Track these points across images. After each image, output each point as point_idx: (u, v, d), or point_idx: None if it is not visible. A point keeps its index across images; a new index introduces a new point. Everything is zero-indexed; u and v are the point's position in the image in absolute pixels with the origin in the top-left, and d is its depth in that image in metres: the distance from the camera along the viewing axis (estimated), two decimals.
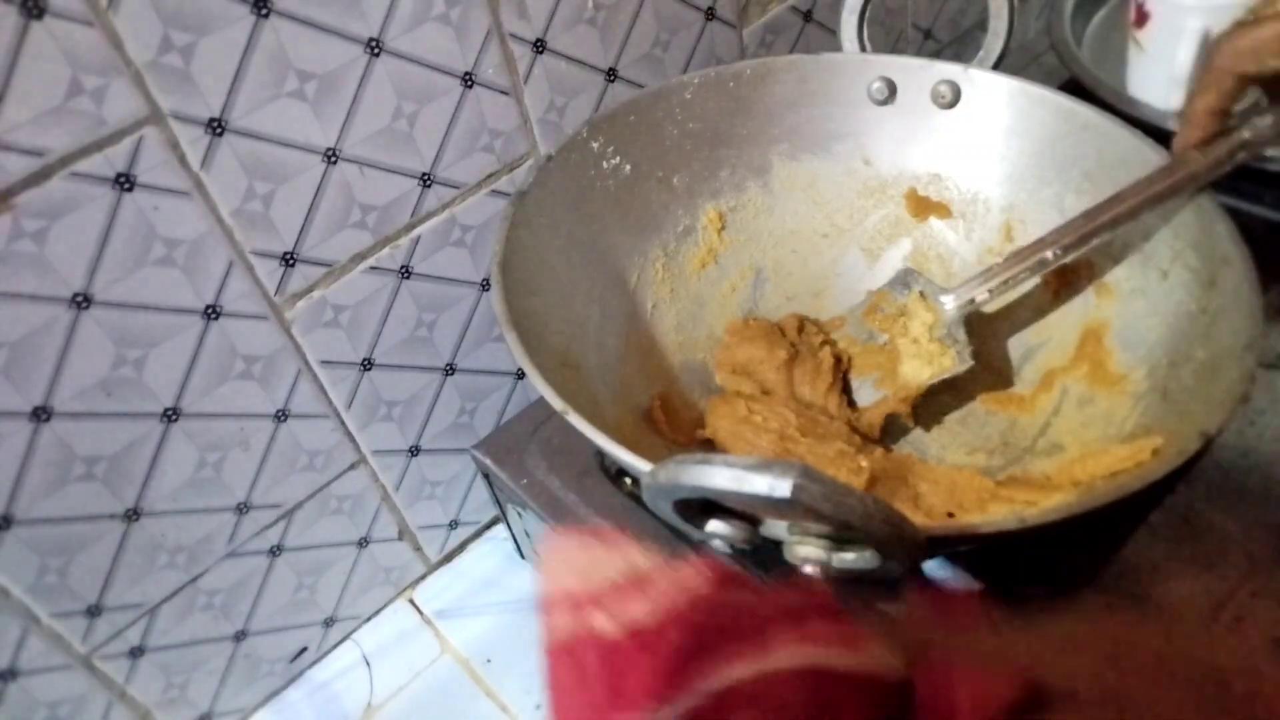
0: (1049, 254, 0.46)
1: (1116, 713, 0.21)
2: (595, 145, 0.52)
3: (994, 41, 0.54)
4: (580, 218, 0.51)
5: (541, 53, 0.53)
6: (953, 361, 0.50)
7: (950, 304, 0.50)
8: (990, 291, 0.48)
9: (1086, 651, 0.22)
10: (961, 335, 0.50)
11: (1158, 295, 0.46)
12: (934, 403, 0.53)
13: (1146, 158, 0.46)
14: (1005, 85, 0.52)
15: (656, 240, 0.55)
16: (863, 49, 0.57)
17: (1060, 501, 0.41)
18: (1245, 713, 0.20)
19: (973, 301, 0.49)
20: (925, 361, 0.50)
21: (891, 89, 0.54)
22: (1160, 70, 0.60)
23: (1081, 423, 0.47)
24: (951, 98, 0.53)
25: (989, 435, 0.51)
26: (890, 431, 0.52)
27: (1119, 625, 0.24)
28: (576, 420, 0.38)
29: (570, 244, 0.51)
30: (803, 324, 0.55)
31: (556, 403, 0.38)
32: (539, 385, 0.39)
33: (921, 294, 0.51)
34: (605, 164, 0.53)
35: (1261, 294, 0.40)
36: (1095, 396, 0.47)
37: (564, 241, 0.50)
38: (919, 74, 0.53)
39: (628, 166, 0.53)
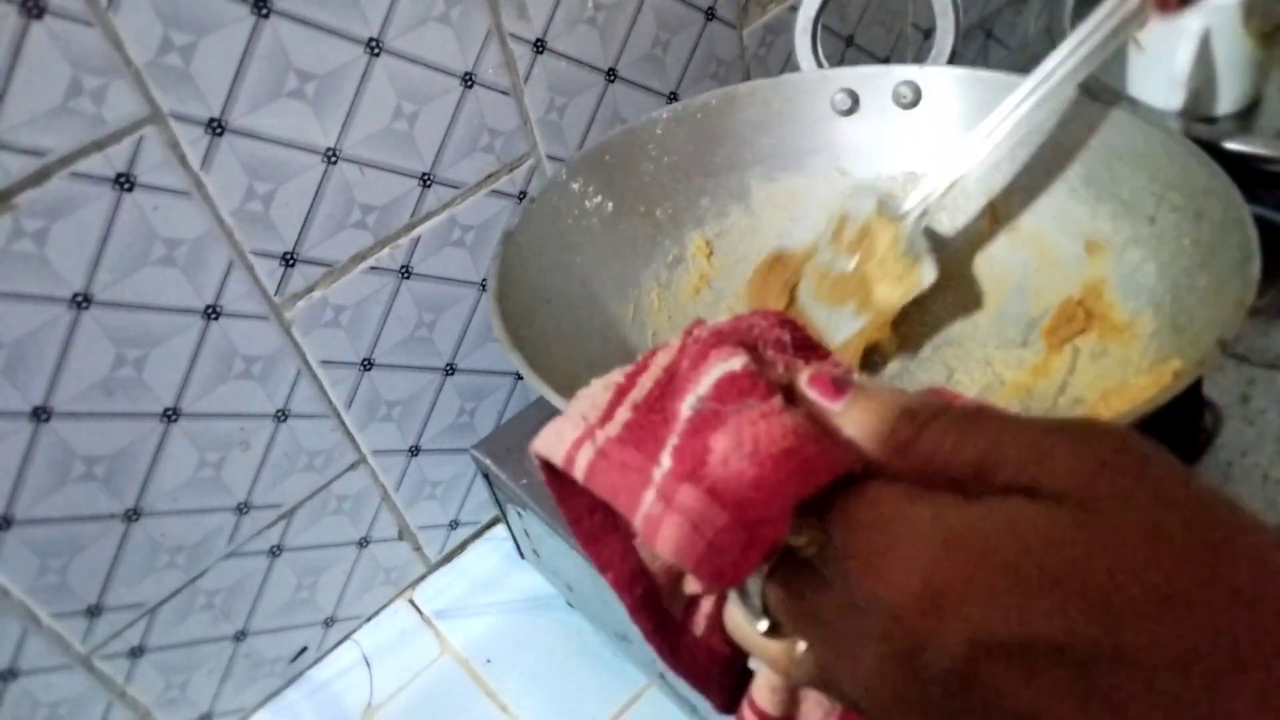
0: (993, 134, 0.47)
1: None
2: (575, 186, 0.52)
3: (944, 38, 0.55)
4: (570, 254, 0.52)
5: (541, 53, 0.53)
6: (919, 277, 0.50)
7: (909, 214, 0.50)
8: (944, 194, 0.49)
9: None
10: (923, 245, 0.50)
11: (1150, 241, 0.47)
12: (912, 332, 0.53)
13: (1108, 115, 0.48)
14: (959, 76, 0.53)
15: (648, 271, 0.56)
16: (820, 65, 0.58)
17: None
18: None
19: (926, 211, 0.49)
20: (895, 281, 0.50)
21: (854, 99, 0.55)
22: (1160, 70, 0.60)
23: (1099, 374, 0.47)
24: (913, 97, 0.54)
25: (1008, 402, 0.51)
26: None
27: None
28: None
29: (563, 280, 0.51)
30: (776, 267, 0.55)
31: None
32: (555, 401, 0.39)
33: (879, 211, 0.51)
34: (588, 203, 0.53)
35: (1248, 207, 0.40)
36: (1108, 347, 0.48)
37: (557, 277, 0.51)
38: (878, 80, 0.55)
39: (610, 204, 0.54)
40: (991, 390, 0.52)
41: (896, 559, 0.20)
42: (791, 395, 0.25)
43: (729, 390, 0.24)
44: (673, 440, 0.24)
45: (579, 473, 0.25)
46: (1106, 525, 0.19)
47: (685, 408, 0.25)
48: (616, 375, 0.27)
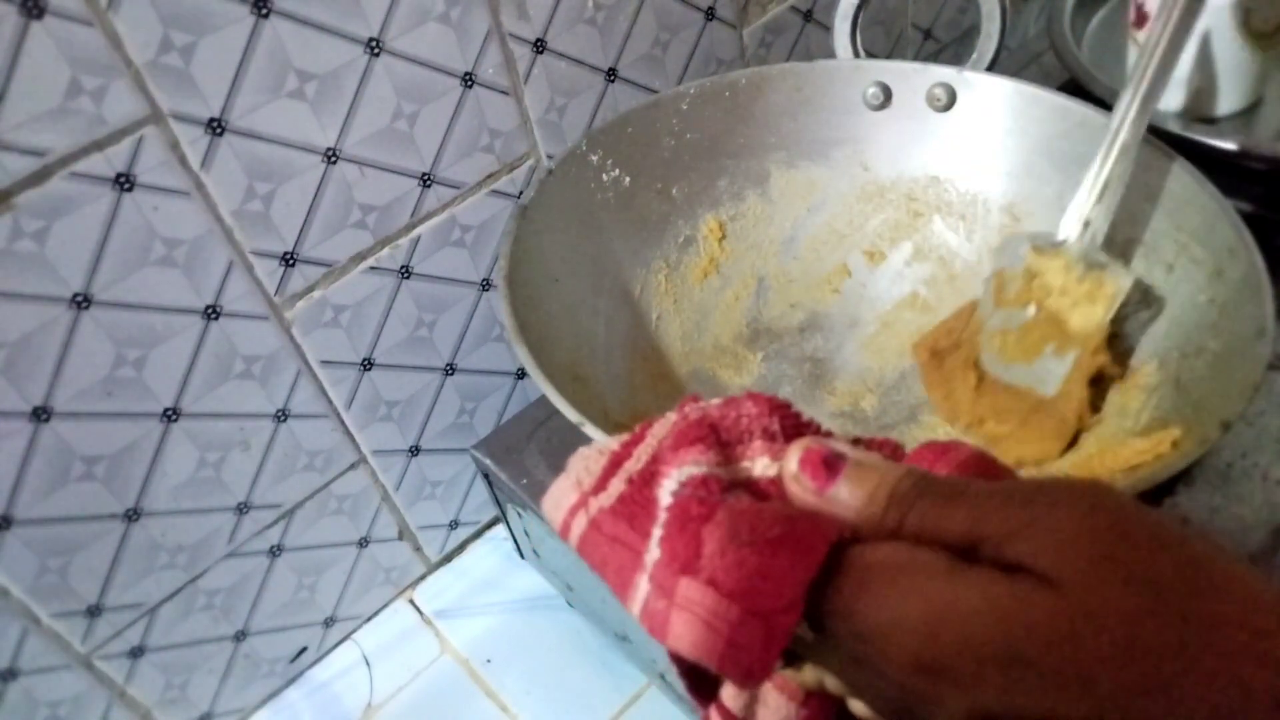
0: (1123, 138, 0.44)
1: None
2: (594, 158, 0.52)
3: (987, 44, 0.54)
4: (582, 230, 0.52)
5: (541, 53, 0.53)
6: (1115, 284, 0.46)
7: (1070, 238, 0.46)
8: (1097, 200, 0.45)
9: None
10: (1100, 256, 0.46)
11: (1164, 289, 0.46)
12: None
13: (1149, 153, 0.46)
14: (1000, 86, 0.52)
15: (658, 251, 0.55)
16: (857, 54, 0.57)
17: None
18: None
19: (1088, 223, 0.46)
20: (1089, 302, 0.46)
21: (887, 94, 0.54)
22: None
23: (1094, 418, 0.47)
24: (947, 100, 0.53)
25: None
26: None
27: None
28: (594, 433, 0.38)
29: (574, 257, 0.51)
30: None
31: (572, 415, 0.38)
32: (555, 400, 0.39)
33: (1035, 249, 0.47)
34: (605, 176, 0.53)
35: (1270, 282, 0.39)
36: (1107, 390, 0.47)
37: (567, 254, 0.50)
38: (914, 78, 0.54)
39: (627, 178, 0.54)
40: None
41: (890, 639, 0.21)
42: (776, 489, 0.25)
43: (700, 485, 0.25)
44: (657, 531, 0.24)
45: (573, 542, 0.26)
46: (1083, 609, 0.20)
47: (665, 494, 0.25)
48: (612, 442, 0.27)
